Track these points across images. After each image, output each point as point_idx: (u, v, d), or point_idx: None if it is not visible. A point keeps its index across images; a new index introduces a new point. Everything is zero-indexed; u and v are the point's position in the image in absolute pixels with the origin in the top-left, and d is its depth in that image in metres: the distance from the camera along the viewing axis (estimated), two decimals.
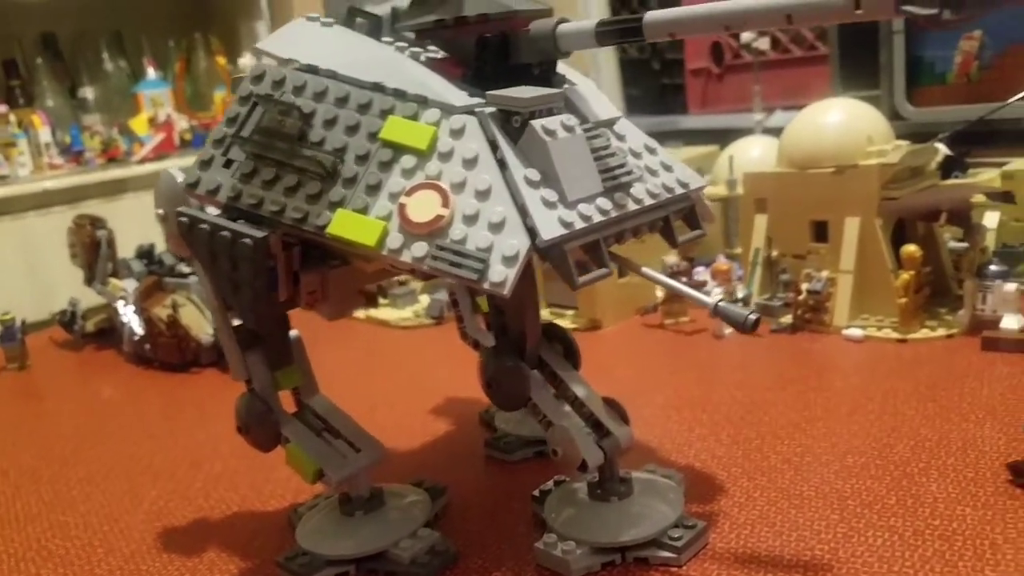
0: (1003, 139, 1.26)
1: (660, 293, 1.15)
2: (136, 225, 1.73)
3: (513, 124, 0.54)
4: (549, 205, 0.52)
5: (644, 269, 0.61)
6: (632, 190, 0.57)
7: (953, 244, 1.08)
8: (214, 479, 0.83)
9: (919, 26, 1.39)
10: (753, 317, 0.55)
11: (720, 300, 0.58)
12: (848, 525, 0.63)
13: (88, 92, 2.36)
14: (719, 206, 1.30)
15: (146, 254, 1.27)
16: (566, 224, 0.52)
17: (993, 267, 0.98)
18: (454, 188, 0.52)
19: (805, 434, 0.79)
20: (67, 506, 0.81)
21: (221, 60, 2.41)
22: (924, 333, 0.99)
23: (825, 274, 1.05)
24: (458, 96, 0.56)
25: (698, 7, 0.51)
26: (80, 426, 1.02)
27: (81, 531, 0.76)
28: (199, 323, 1.12)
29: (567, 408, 0.64)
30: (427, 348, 1.17)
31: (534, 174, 0.53)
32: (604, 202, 0.55)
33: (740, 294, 1.12)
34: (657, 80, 2.44)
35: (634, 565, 0.62)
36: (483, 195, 0.52)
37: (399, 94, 0.56)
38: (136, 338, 1.17)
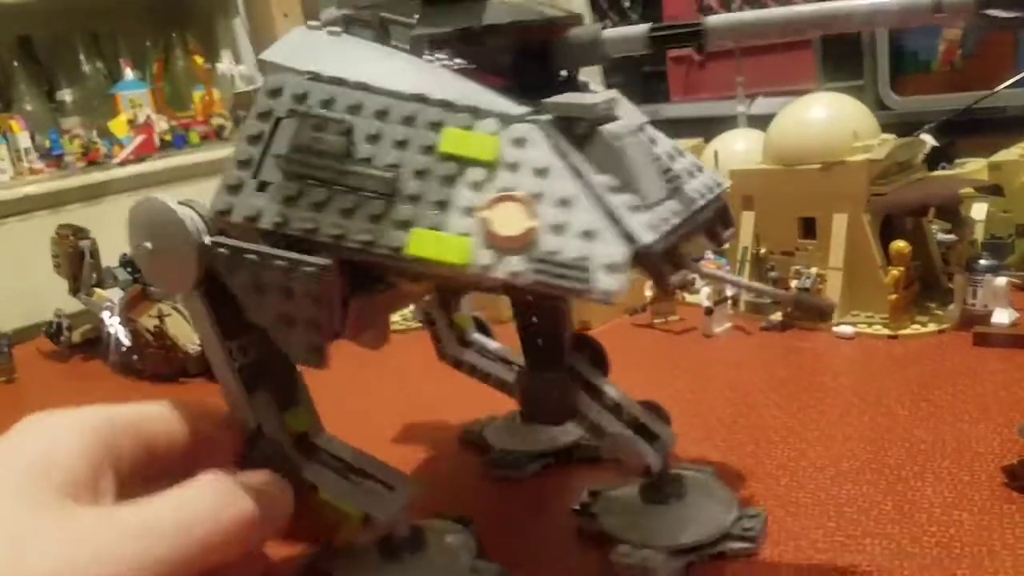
0: (989, 128, 1.26)
1: (649, 292, 1.14)
2: (119, 230, 1.71)
3: (577, 131, 0.52)
4: (635, 210, 0.51)
5: (704, 268, 0.62)
6: (686, 191, 0.57)
7: (942, 237, 1.08)
8: None
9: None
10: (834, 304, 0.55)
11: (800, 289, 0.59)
12: (845, 533, 0.63)
13: (66, 95, 2.33)
14: None
15: (130, 263, 1.26)
16: (655, 228, 0.51)
17: (983, 261, 0.98)
18: (533, 199, 0.50)
19: (799, 438, 0.79)
20: None
21: (199, 59, 2.39)
22: (915, 329, 0.99)
23: (814, 271, 1.04)
24: (509, 105, 0.53)
25: (770, 12, 0.50)
26: None
27: None
28: (186, 333, 1.11)
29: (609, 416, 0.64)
30: (417, 355, 1.16)
31: (611, 180, 0.51)
32: (673, 204, 0.54)
33: (729, 292, 1.12)
34: (639, 68, 2.43)
35: (712, 562, 0.62)
36: (565, 204, 0.49)
37: (446, 105, 0.52)
38: (123, 349, 1.16)
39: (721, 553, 0.62)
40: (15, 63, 2.23)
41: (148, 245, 0.56)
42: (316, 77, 0.54)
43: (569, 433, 0.80)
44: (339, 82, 0.54)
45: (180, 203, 0.56)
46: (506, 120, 0.52)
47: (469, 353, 0.82)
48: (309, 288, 0.51)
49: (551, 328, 0.65)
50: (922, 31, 1.39)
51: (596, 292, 0.48)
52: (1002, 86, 1.16)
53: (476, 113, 0.52)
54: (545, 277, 0.48)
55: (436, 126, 0.52)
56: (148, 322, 1.13)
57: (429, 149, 0.52)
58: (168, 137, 2.27)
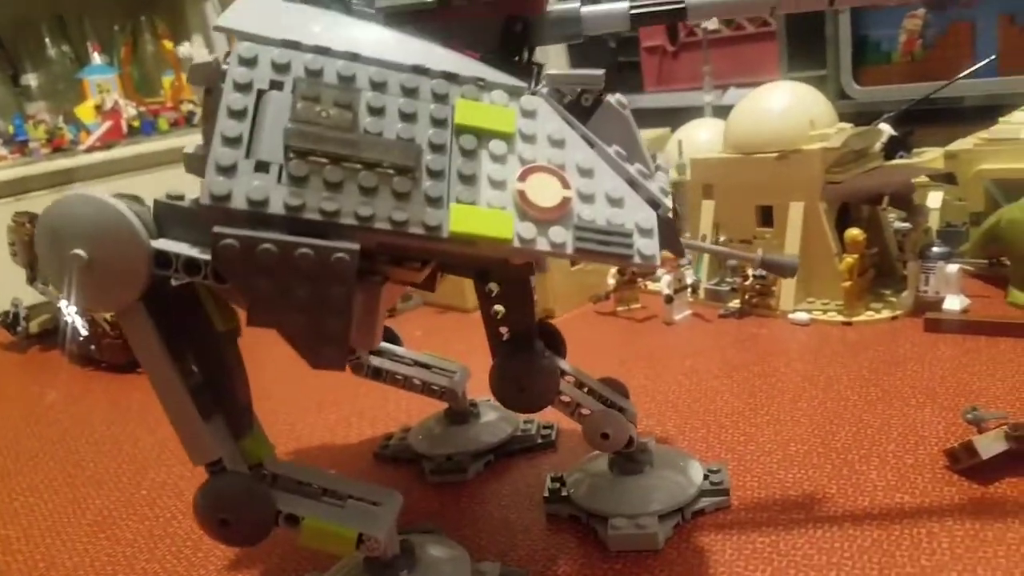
0: (947, 118, 1.27)
1: (612, 280, 1.15)
2: None
3: (584, 103, 0.53)
4: (647, 177, 0.51)
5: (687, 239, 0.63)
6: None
7: (898, 224, 1.09)
8: (159, 487, 0.82)
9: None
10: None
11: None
12: (789, 516, 0.64)
13: (31, 80, 2.30)
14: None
15: None
16: (667, 194, 0.52)
17: (935, 248, 0.99)
18: (560, 169, 0.49)
19: (749, 422, 0.80)
20: (9, 518, 0.80)
21: (168, 44, 2.36)
22: (869, 315, 1.01)
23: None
24: (510, 78, 0.51)
25: None
26: (23, 433, 1.00)
27: (23, 544, 0.75)
28: None
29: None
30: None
31: (620, 149, 0.52)
32: (660, 176, 0.55)
33: (689, 280, 1.12)
34: (614, 57, 2.43)
35: (695, 519, 0.66)
36: (588, 174, 0.49)
37: (449, 77, 0.50)
38: (80, 339, 1.15)
39: (700, 510, 0.67)
40: None
41: (82, 253, 0.48)
42: (295, 45, 0.49)
43: (499, 429, 0.81)
44: (323, 51, 0.49)
45: (116, 198, 0.48)
46: (514, 92, 0.51)
47: (384, 362, 0.80)
48: (341, 276, 0.45)
49: (519, 316, 0.65)
50: (883, 22, 1.40)
51: (638, 257, 0.48)
52: (959, 76, 1.17)
53: (484, 85, 0.50)
54: (590, 245, 0.47)
55: (443, 98, 0.50)
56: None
57: (442, 122, 0.49)
58: (136, 123, 2.24)
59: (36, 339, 1.30)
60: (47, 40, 2.33)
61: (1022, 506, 0.62)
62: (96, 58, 2.23)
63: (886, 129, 1.17)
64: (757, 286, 1.06)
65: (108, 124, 2.13)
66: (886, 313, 1.01)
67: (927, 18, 1.36)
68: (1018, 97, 1.21)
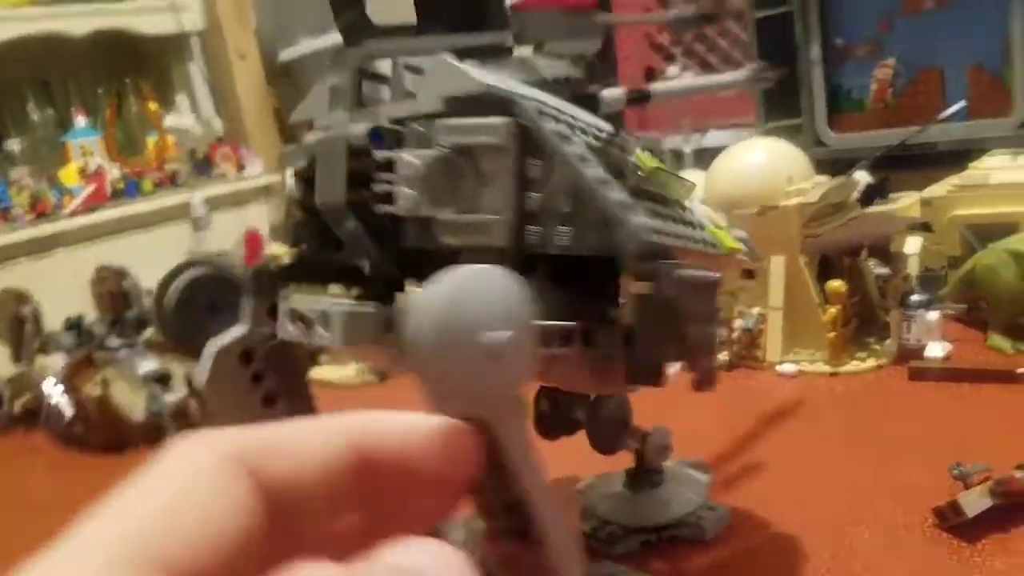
0: (921, 163, 1.29)
1: None
2: (67, 285, 1.70)
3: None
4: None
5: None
6: None
7: (878, 271, 1.11)
8: None
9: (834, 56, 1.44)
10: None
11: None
12: None
13: (14, 144, 2.30)
14: None
15: (75, 326, 1.24)
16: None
17: (915, 297, 1.01)
18: None
19: (745, 489, 0.80)
20: None
21: (152, 105, 2.38)
22: (854, 365, 1.02)
23: (756, 311, 1.06)
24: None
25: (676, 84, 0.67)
26: (4, 525, 0.97)
27: None
28: (131, 401, 1.09)
29: None
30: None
31: None
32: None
33: None
34: (595, 103, 2.46)
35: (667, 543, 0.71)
36: None
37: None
38: (66, 420, 1.13)
39: (674, 536, 0.71)
40: None
41: (504, 335, 0.36)
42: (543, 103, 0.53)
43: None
44: (542, 104, 0.52)
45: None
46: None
47: None
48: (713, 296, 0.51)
49: None
50: (855, 72, 1.44)
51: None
52: (931, 122, 1.20)
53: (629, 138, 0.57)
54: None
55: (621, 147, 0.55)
56: (92, 390, 1.10)
57: (637, 167, 0.53)
58: (121, 185, 2.25)
59: (19, 420, 1.26)
60: (31, 104, 2.34)
61: (1010, 565, 0.63)
62: (80, 121, 2.24)
63: (863, 177, 1.18)
64: (743, 339, 1.07)
65: (92, 187, 2.14)
66: (871, 362, 1.02)
67: (897, 67, 1.40)
68: (988, 141, 1.24)
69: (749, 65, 0.73)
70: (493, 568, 0.37)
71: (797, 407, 0.96)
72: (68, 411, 1.13)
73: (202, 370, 0.57)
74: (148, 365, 1.12)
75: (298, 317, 0.52)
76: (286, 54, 0.65)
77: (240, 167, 2.45)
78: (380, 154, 0.52)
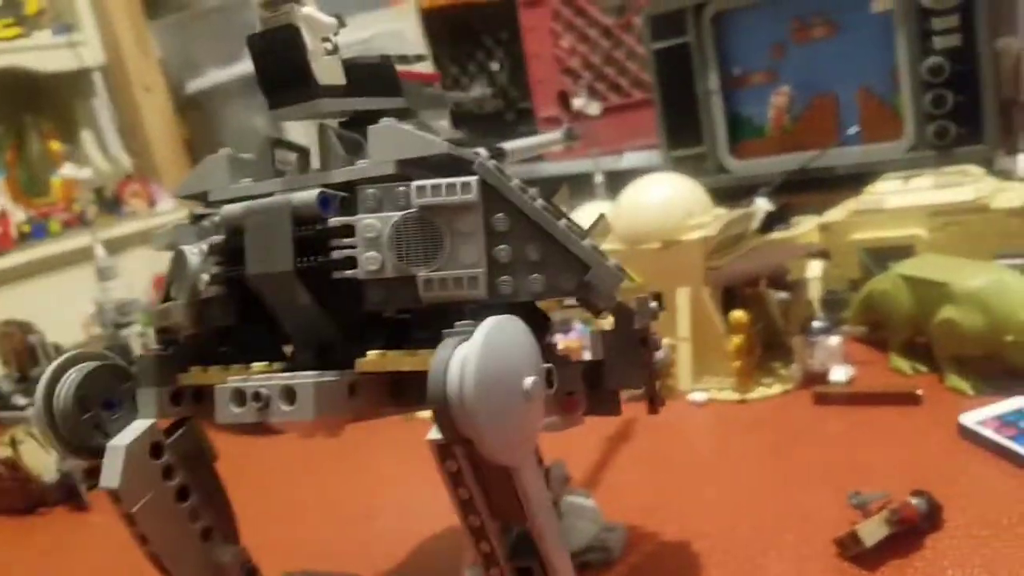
0: (820, 187, 1.34)
1: None
2: None
3: None
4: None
5: None
6: None
7: (780, 296, 1.14)
8: None
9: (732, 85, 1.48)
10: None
11: None
12: None
13: None
14: None
15: None
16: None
17: (816, 323, 1.04)
18: None
19: (657, 518, 0.81)
20: None
21: (55, 144, 2.31)
22: (761, 392, 1.05)
23: (666, 342, 1.09)
24: None
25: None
26: None
27: None
28: (42, 461, 1.06)
29: None
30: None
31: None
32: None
33: None
34: (513, 129, 2.49)
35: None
36: None
37: None
38: None
39: (585, 564, 0.72)
40: None
41: (534, 379, 0.49)
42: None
43: None
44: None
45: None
46: None
47: None
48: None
49: None
50: (753, 99, 1.48)
51: None
52: (829, 147, 1.25)
53: None
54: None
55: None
56: (1, 452, 1.07)
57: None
58: (26, 228, 2.18)
59: None
60: None
61: None
62: None
63: (762, 205, 1.23)
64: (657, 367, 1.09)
65: None
66: (777, 388, 1.05)
67: (792, 94, 1.45)
68: (881, 165, 1.29)
69: (564, 127, 0.84)
70: None
71: (707, 436, 0.98)
72: None
73: (111, 471, 0.56)
74: None
75: (251, 396, 0.50)
76: (193, 85, 0.65)
77: (151, 203, 2.40)
78: (335, 220, 0.52)
